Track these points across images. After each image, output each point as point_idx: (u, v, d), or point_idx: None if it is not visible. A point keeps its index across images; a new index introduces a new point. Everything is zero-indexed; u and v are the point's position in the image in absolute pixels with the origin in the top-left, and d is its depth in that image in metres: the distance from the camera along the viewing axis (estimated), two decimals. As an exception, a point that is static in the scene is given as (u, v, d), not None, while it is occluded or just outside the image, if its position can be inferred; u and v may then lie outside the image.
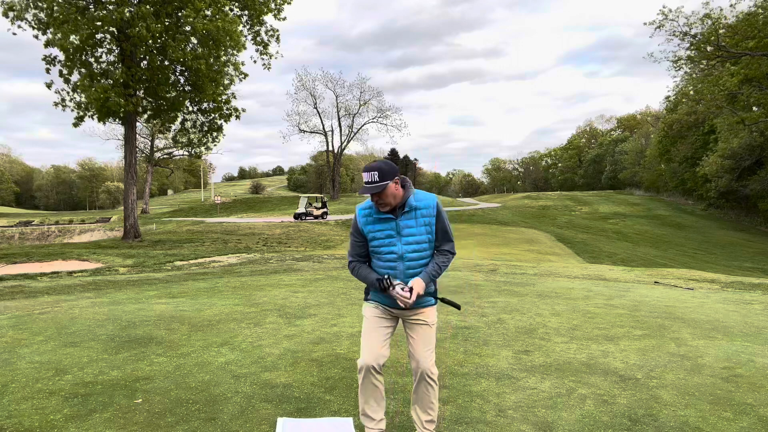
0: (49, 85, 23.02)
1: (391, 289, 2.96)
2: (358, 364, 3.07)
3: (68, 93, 23.25)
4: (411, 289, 2.98)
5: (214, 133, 27.39)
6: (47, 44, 22.11)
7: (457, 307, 3.33)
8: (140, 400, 3.85)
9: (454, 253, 3.15)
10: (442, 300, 3.23)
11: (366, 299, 3.23)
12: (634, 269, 16.51)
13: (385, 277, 2.96)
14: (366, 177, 2.90)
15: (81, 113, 23.29)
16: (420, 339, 3.14)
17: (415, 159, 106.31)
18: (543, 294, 8.90)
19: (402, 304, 3.00)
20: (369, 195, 2.97)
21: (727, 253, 35.44)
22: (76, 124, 23.51)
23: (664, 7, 35.04)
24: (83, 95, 22.65)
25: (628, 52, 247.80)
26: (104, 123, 24.95)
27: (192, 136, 27.98)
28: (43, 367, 4.58)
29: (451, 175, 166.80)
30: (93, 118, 23.37)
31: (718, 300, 8.91)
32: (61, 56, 22.42)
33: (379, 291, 3.04)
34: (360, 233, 3.11)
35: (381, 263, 3.08)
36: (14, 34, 22.93)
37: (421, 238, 3.02)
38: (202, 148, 30.38)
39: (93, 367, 4.58)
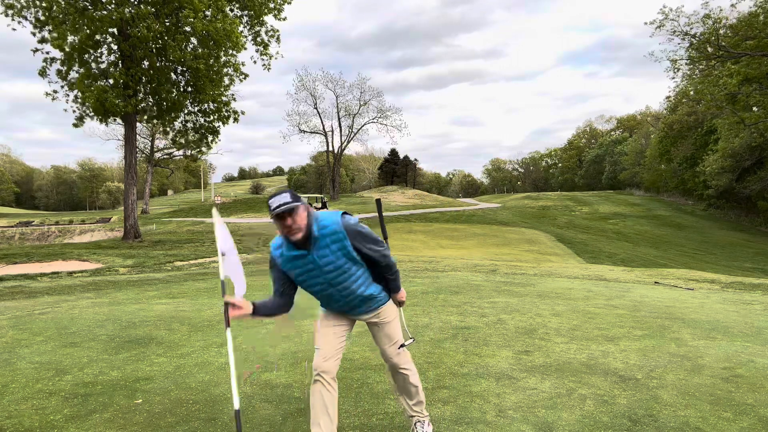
0: (42, 73, 22.92)
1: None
2: (313, 368, 2.95)
3: (62, 87, 23.23)
4: (400, 303, 3.17)
5: (210, 136, 27.38)
6: (42, 41, 22.12)
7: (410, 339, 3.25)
8: (140, 400, 3.85)
9: (396, 270, 3.07)
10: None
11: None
12: (634, 269, 16.50)
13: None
14: (275, 201, 2.68)
15: (81, 113, 23.29)
16: (382, 337, 3.11)
17: (416, 159, 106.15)
18: (543, 294, 8.90)
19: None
20: (279, 230, 2.79)
21: (727, 254, 35.43)
22: (76, 125, 23.53)
23: (664, 6, 35.12)
24: (80, 95, 22.64)
25: (627, 53, 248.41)
26: (106, 123, 24.99)
27: (190, 137, 27.97)
28: (43, 367, 4.58)
29: (451, 176, 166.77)
30: (93, 119, 23.39)
31: (719, 300, 8.91)
32: (58, 54, 22.42)
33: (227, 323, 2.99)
34: (281, 272, 2.93)
35: (315, 295, 2.99)
36: (13, 29, 22.91)
37: (340, 261, 2.81)
38: (202, 148, 30.36)
39: (93, 368, 4.58)
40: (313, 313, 3.33)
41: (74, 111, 23.40)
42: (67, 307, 7.59)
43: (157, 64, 23.63)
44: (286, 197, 2.70)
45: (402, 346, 3.13)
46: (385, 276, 3.06)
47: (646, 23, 39.37)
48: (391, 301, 3.15)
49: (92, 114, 22.95)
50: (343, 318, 3.07)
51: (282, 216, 2.69)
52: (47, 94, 23.34)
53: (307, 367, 4.35)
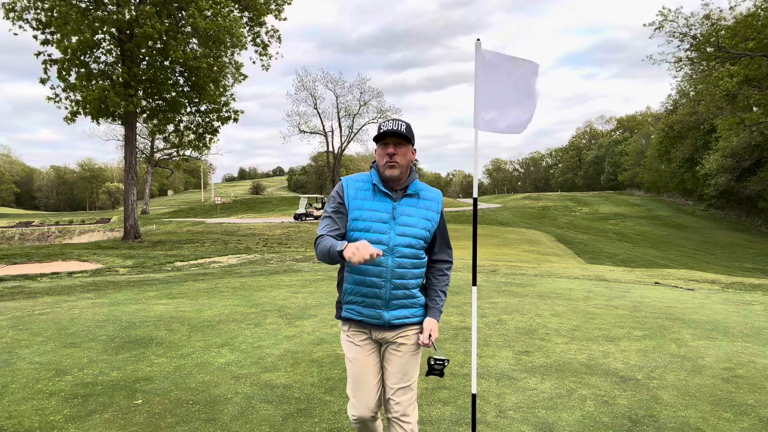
0: (43, 81, 22.96)
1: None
2: (350, 415, 2.52)
3: (63, 90, 23.22)
4: (429, 335, 2.48)
5: (209, 136, 27.38)
6: (45, 43, 22.11)
7: (441, 370, 2.52)
8: (140, 400, 3.85)
9: (452, 263, 2.66)
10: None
11: (339, 317, 2.59)
12: (634, 270, 16.49)
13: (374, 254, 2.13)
14: (390, 124, 2.41)
15: (74, 109, 23.23)
16: (395, 369, 2.50)
17: (416, 159, 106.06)
18: (543, 295, 8.90)
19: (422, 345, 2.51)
20: (378, 156, 2.47)
21: (728, 254, 35.40)
22: (69, 120, 23.43)
23: (663, 8, 35.06)
24: (79, 94, 22.63)
25: (624, 54, 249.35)
26: (98, 123, 24.93)
27: (185, 138, 27.94)
28: (43, 367, 4.58)
29: (451, 176, 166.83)
30: (87, 116, 23.35)
31: (719, 301, 8.90)
32: (59, 54, 22.40)
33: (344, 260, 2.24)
34: (343, 206, 2.48)
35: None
36: (15, 34, 22.93)
37: (418, 232, 2.45)
38: (202, 148, 30.36)
39: (93, 368, 4.58)
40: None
41: (66, 108, 23.34)
42: (67, 307, 7.59)
43: (158, 64, 23.65)
44: (403, 125, 2.43)
45: (431, 372, 2.49)
46: (434, 288, 2.59)
47: (645, 25, 39.28)
48: (419, 326, 2.57)
49: (87, 111, 22.87)
50: (371, 347, 2.54)
51: (389, 139, 2.42)
52: (49, 98, 23.32)
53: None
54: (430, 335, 2.47)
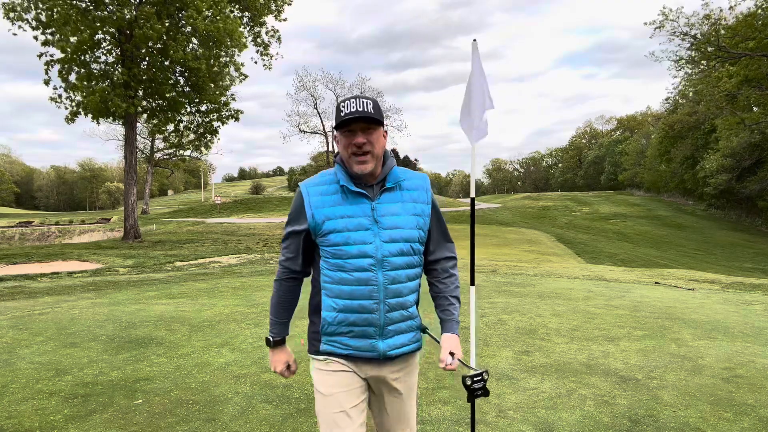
0: (47, 82, 22.98)
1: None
2: None
3: (65, 90, 23.24)
4: (452, 354, 1.94)
5: (209, 136, 27.40)
6: (45, 43, 22.11)
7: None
8: (140, 400, 3.85)
9: (456, 259, 2.14)
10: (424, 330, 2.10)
11: (315, 352, 2.05)
12: (634, 270, 16.50)
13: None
14: (353, 104, 1.85)
15: (75, 109, 23.25)
16: (395, 415, 2.06)
17: (416, 159, 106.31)
18: (543, 294, 8.90)
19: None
20: (342, 149, 1.93)
21: (728, 254, 35.40)
22: (69, 120, 23.47)
23: (664, 7, 35.16)
24: (80, 95, 22.64)
25: (624, 54, 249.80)
26: (98, 123, 24.96)
27: (185, 138, 27.97)
28: (43, 367, 4.58)
29: (451, 176, 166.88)
30: (87, 116, 23.37)
31: (719, 300, 8.90)
32: (59, 54, 22.42)
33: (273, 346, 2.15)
34: (304, 220, 1.94)
35: (342, 276, 1.90)
36: (14, 34, 22.93)
37: (410, 234, 1.93)
38: (202, 148, 30.39)
39: (93, 368, 4.58)
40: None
41: (66, 108, 23.36)
42: (67, 307, 7.59)
43: (158, 64, 23.66)
44: (368, 104, 1.87)
45: (474, 396, 1.98)
46: (444, 294, 2.07)
47: (646, 23, 39.56)
48: (419, 352, 2.10)
49: (88, 111, 22.90)
50: (357, 384, 1.99)
51: (354, 125, 1.87)
52: (51, 99, 23.33)
53: None
54: (453, 354, 1.93)
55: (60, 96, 23.30)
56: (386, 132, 1.98)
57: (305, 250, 2.01)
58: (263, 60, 27.22)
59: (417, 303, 2.04)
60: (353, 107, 1.85)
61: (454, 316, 2.04)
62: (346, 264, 1.88)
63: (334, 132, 1.95)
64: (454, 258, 2.12)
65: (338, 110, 1.88)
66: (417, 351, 2.08)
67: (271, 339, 2.13)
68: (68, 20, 21.06)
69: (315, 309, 2.03)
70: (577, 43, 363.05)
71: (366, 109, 1.85)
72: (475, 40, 3.18)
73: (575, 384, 4.22)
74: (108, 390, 4.05)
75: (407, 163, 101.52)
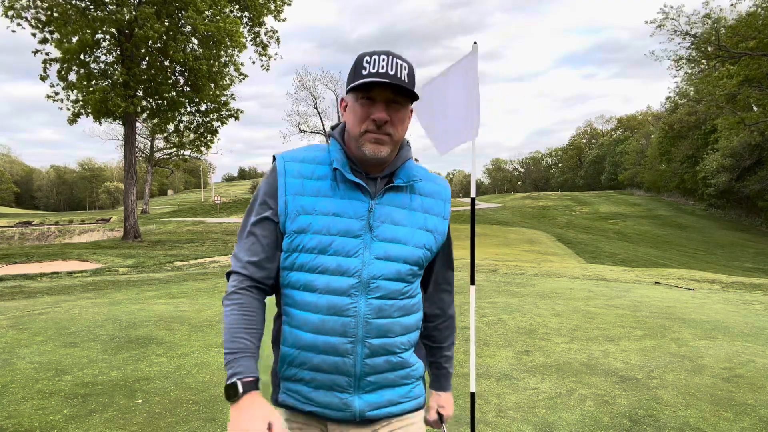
0: (43, 78, 22.95)
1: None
2: None
3: (63, 89, 23.23)
4: (440, 416, 1.60)
5: (209, 135, 27.43)
6: (43, 41, 22.10)
7: None
8: (140, 400, 3.85)
9: (453, 294, 1.64)
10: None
11: (275, 403, 1.44)
12: (634, 269, 16.49)
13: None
14: (381, 63, 1.32)
15: (77, 110, 23.26)
16: None
17: (416, 159, 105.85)
18: (543, 294, 8.89)
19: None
20: (355, 119, 1.38)
21: (728, 254, 35.40)
22: (71, 121, 23.51)
23: (665, 5, 35.08)
24: (80, 95, 22.65)
25: (624, 54, 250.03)
26: (100, 123, 24.98)
27: (185, 138, 27.98)
28: (43, 367, 4.58)
29: (451, 176, 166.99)
30: (89, 116, 23.38)
31: (719, 300, 8.90)
32: (58, 54, 22.39)
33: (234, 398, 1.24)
34: (274, 209, 1.39)
35: (309, 299, 1.36)
36: (13, 31, 22.87)
37: (412, 253, 1.41)
38: (202, 148, 30.37)
39: (93, 368, 4.58)
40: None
41: (68, 109, 23.38)
42: (67, 307, 7.59)
43: (158, 64, 23.68)
44: (403, 67, 1.35)
45: None
46: (438, 344, 1.61)
47: (646, 22, 39.52)
48: (422, 411, 1.54)
49: (89, 112, 22.91)
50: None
51: (378, 93, 1.34)
52: (48, 96, 23.33)
53: None
54: (440, 415, 1.58)
55: (57, 93, 23.29)
56: (412, 111, 1.45)
57: (277, 250, 1.40)
58: (261, 60, 27.26)
59: (414, 347, 1.49)
60: (382, 67, 1.32)
61: (448, 369, 1.64)
62: (318, 281, 1.35)
63: (344, 94, 1.43)
64: (452, 293, 1.62)
65: (359, 65, 1.35)
66: (416, 411, 1.50)
67: (239, 383, 1.23)
68: (68, 20, 21.07)
69: (276, 338, 1.46)
70: (577, 43, 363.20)
71: (399, 74, 1.33)
72: (475, 43, 3.16)
73: (575, 384, 4.22)
74: (108, 390, 4.05)
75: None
